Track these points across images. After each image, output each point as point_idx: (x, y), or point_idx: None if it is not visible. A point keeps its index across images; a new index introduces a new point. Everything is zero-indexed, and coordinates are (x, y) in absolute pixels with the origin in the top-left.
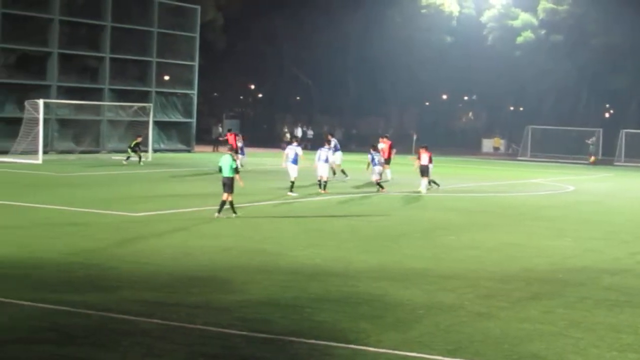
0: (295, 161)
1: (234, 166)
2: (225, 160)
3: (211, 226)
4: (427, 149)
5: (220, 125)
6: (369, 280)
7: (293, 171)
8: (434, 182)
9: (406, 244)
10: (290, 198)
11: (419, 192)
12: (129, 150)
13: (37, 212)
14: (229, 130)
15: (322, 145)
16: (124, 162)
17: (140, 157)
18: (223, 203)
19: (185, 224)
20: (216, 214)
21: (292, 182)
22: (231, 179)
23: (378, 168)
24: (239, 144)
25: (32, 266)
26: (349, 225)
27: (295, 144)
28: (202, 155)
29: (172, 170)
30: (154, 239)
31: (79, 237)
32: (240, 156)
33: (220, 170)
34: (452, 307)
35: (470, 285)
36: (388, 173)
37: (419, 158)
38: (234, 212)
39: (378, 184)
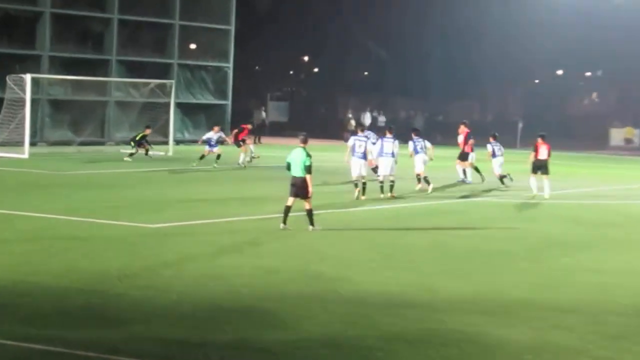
0: (364, 156)
1: (308, 163)
2: (296, 156)
3: (249, 241)
4: (544, 139)
5: (263, 109)
6: (459, 314)
7: (358, 168)
8: (504, 179)
9: (507, 267)
10: (356, 205)
11: (533, 196)
12: (132, 144)
13: (24, 223)
14: (250, 122)
15: (393, 136)
16: (126, 159)
17: (147, 150)
18: (288, 210)
19: (215, 238)
20: (281, 225)
21: (365, 184)
22: (304, 180)
23: (499, 160)
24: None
25: (18, 293)
26: (433, 242)
27: (360, 133)
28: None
29: (199, 168)
30: (174, 258)
31: (79, 256)
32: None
33: (288, 167)
34: (571, 351)
35: (594, 322)
36: (462, 173)
37: (535, 151)
38: (312, 224)
39: (501, 178)
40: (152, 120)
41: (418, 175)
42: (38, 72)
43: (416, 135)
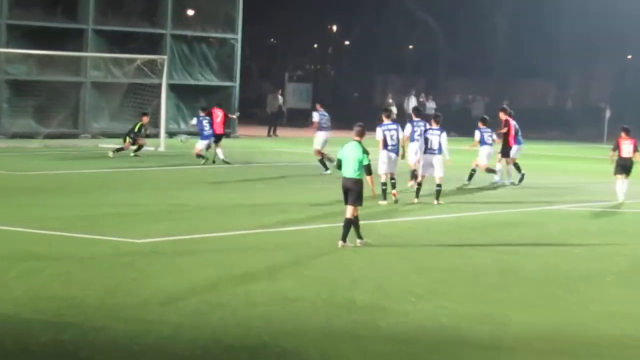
0: (396, 149)
1: (366, 162)
2: (350, 151)
3: (263, 261)
4: (628, 133)
5: (280, 92)
6: (535, 354)
7: (388, 163)
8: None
9: (595, 294)
10: (396, 214)
11: (620, 204)
12: (127, 138)
13: None
14: (219, 106)
15: (439, 128)
16: (110, 155)
17: (140, 146)
18: (349, 223)
19: (219, 257)
20: (340, 243)
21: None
22: (356, 183)
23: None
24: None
25: None
26: (497, 261)
27: (387, 121)
28: (251, 143)
29: (199, 167)
30: (167, 282)
31: (47, 279)
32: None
33: (339, 166)
34: None
35: None
36: (499, 172)
37: (617, 148)
38: (359, 237)
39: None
40: (139, 107)
41: (475, 169)
42: None
43: (483, 124)
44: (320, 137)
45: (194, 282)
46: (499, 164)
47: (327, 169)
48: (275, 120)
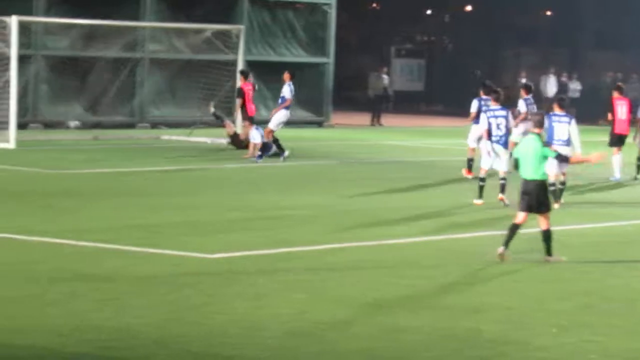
0: (503, 141)
1: (552, 154)
2: (528, 147)
3: (361, 284)
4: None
5: (385, 71)
6: None
7: (491, 159)
8: None
9: None
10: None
11: None
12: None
13: (5, 252)
14: (245, 76)
15: (567, 114)
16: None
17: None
18: (515, 229)
19: (308, 276)
20: (501, 249)
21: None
22: (540, 186)
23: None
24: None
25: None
26: None
27: (495, 105)
28: (347, 134)
29: (289, 164)
30: (245, 308)
31: (96, 304)
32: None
33: (516, 165)
34: None
35: None
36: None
37: None
38: (549, 253)
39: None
40: (208, 88)
41: None
42: (29, 13)
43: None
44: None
45: (278, 308)
46: (617, 158)
47: None
48: (379, 106)
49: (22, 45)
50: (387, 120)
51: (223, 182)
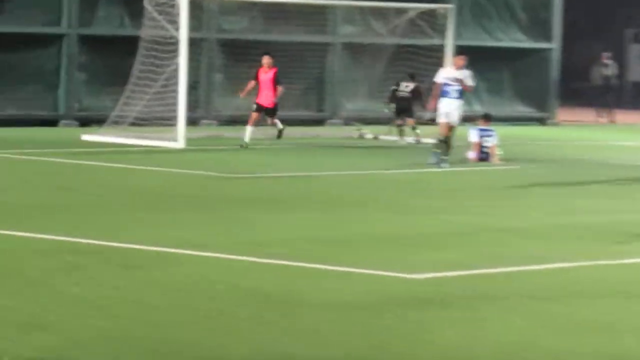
0: None
1: None
2: None
3: (597, 310)
4: None
5: (609, 56)
6: None
7: None
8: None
9: None
10: None
11: None
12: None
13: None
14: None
15: None
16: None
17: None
18: None
19: (531, 303)
20: None
21: None
22: None
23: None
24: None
25: None
26: None
27: None
28: (574, 133)
29: (497, 167)
30: (459, 338)
31: (279, 332)
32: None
33: None
34: None
35: None
36: None
37: None
38: None
39: None
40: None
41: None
42: None
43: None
44: None
45: (500, 339)
46: None
47: None
48: (609, 100)
49: (192, 27)
50: (621, 116)
51: (422, 188)
